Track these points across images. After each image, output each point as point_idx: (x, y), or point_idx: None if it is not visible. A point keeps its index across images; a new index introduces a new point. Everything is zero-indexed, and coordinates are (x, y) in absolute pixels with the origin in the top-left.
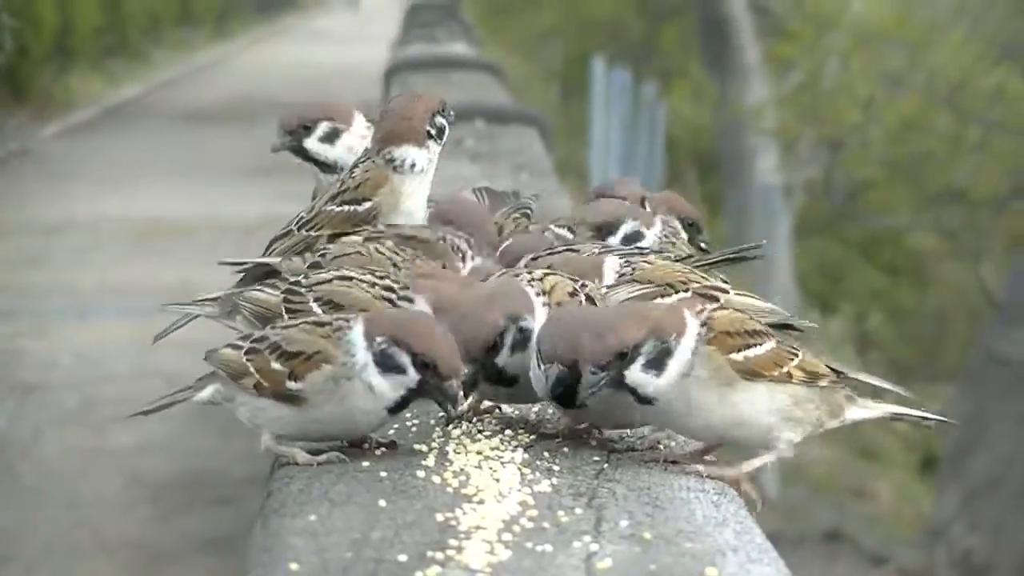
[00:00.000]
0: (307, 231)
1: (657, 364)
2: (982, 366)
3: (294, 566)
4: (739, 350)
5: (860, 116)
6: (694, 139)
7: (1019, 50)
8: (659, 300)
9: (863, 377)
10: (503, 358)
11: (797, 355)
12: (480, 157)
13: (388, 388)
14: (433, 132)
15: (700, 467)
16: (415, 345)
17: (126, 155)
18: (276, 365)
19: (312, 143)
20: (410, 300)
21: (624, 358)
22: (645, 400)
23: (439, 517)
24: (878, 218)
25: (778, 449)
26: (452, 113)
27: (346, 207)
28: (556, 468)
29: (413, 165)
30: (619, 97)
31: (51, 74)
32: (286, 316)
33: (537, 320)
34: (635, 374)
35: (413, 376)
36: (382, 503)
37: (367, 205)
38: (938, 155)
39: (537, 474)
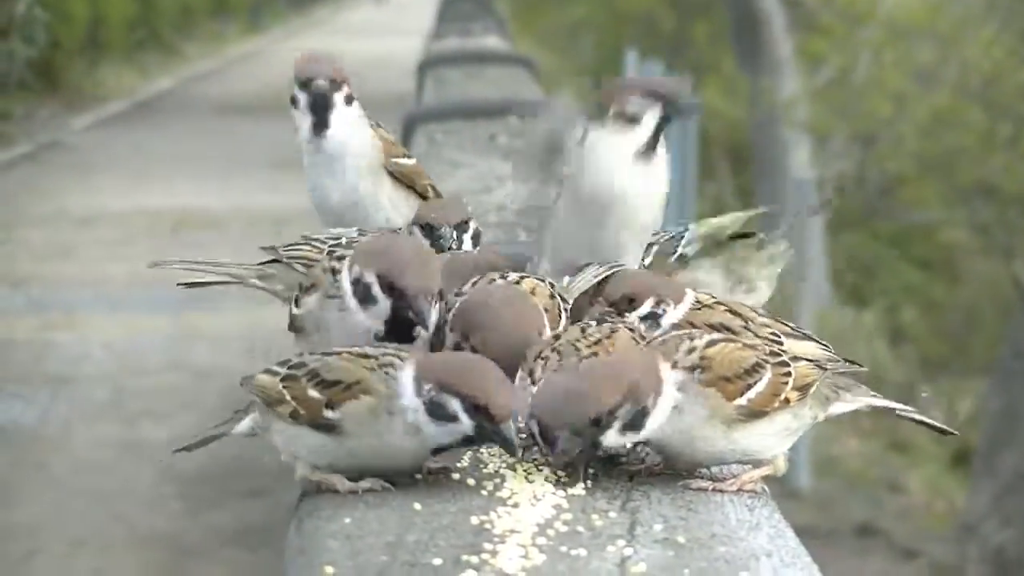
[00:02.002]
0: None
1: (633, 426)
2: (1013, 361)
3: (330, 569)
4: (741, 393)
5: (892, 111)
6: (727, 133)
7: None
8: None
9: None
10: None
11: (790, 375)
12: (513, 154)
13: (439, 435)
14: None
15: (703, 483)
16: (463, 388)
17: (158, 147)
18: (313, 393)
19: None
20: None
21: (599, 424)
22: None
23: (474, 520)
24: (910, 213)
25: (776, 463)
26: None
27: None
28: (590, 471)
29: None
30: None
31: (83, 67)
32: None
33: None
34: (611, 439)
35: (467, 423)
36: (417, 506)
37: None
38: (970, 150)
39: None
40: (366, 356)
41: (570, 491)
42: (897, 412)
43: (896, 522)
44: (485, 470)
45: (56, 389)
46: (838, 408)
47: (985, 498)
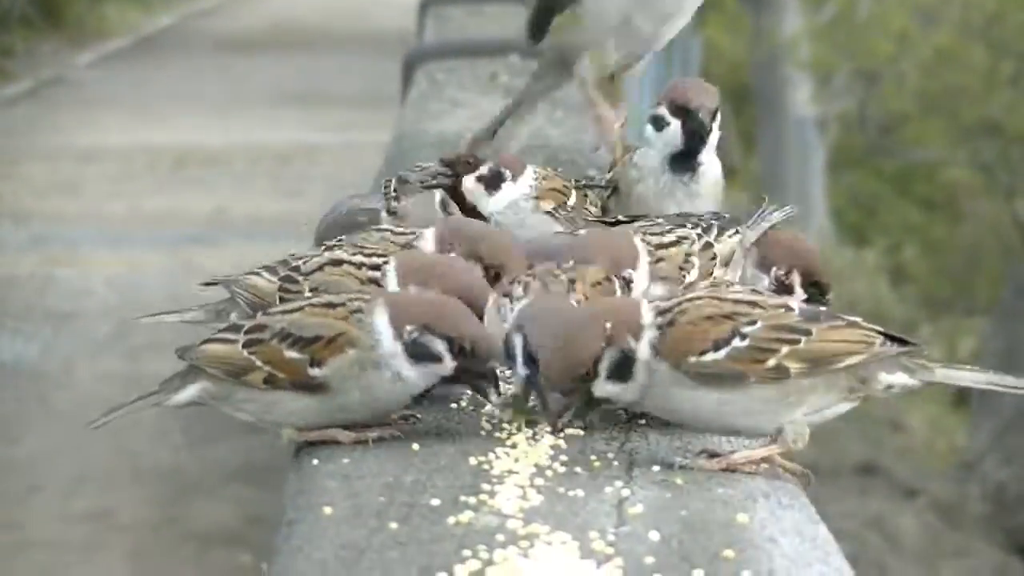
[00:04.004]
0: None
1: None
2: (1015, 300)
3: (328, 510)
4: None
5: (894, 49)
6: (729, 72)
7: None
8: None
9: None
10: None
11: None
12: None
13: (420, 378)
14: None
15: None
16: (449, 329)
17: (160, 84)
18: (292, 354)
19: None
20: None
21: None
22: None
23: (472, 461)
24: (912, 152)
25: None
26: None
27: None
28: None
29: None
30: None
31: (85, 2)
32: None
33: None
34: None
35: (449, 364)
36: (415, 447)
37: None
38: (972, 89)
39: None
40: (333, 305)
41: (568, 432)
42: None
43: (897, 461)
44: (483, 410)
45: (58, 324)
46: None
47: (986, 436)
